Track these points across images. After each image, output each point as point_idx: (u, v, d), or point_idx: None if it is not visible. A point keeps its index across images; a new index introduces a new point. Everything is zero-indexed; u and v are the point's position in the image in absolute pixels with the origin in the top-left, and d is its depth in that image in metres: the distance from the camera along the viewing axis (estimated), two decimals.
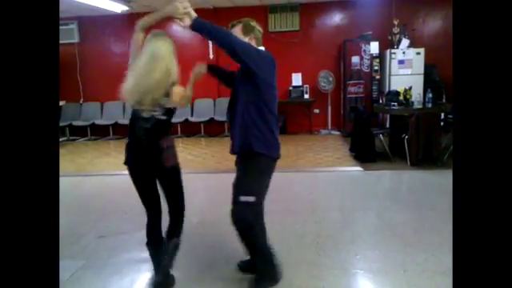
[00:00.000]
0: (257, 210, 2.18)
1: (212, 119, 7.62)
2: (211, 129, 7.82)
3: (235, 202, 2.10)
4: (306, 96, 7.47)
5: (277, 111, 2.14)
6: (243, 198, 2.06)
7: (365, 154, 5.22)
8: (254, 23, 2.15)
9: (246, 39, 2.08)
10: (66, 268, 2.65)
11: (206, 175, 5.00)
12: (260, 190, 2.13)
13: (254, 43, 2.11)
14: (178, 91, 1.99)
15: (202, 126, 7.76)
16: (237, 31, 2.10)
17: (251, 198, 2.07)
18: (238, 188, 2.11)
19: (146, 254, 2.86)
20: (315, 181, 4.60)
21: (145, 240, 3.11)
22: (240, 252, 2.36)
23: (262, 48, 2.15)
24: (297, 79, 7.51)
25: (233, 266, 2.52)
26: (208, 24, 1.89)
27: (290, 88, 7.43)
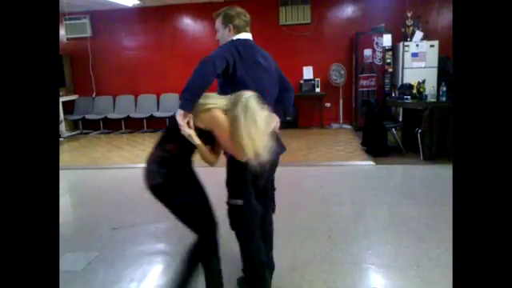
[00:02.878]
0: None
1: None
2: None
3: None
4: (318, 89, 7.40)
5: None
6: None
7: (377, 148, 5.17)
8: (234, 11, 2.01)
9: (226, 31, 2.02)
10: (80, 259, 2.69)
11: None
12: None
13: (232, 33, 2.00)
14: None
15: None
16: (217, 24, 2.06)
17: None
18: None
19: (158, 247, 2.92)
20: (326, 175, 4.56)
21: (157, 233, 3.17)
22: None
23: (242, 35, 1.99)
24: (308, 72, 7.43)
25: None
26: (187, 97, 1.72)
27: (301, 81, 7.37)
